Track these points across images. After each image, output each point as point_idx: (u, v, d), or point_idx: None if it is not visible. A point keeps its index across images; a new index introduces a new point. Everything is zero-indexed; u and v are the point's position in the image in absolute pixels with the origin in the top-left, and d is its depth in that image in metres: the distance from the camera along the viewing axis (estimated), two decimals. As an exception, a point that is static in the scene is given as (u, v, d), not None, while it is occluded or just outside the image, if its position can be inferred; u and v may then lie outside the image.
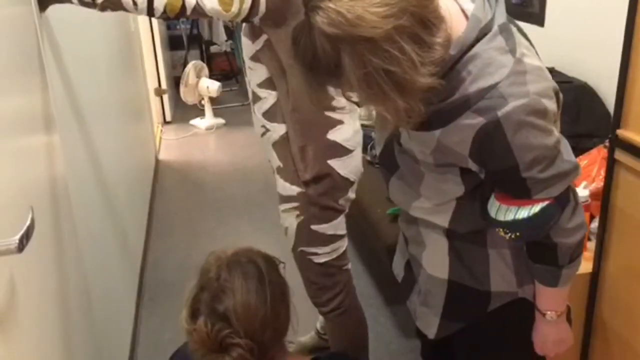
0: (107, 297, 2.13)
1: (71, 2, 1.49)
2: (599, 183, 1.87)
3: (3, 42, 1.19)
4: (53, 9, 1.62)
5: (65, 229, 1.55)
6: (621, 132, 1.52)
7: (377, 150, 1.32)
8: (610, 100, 2.29)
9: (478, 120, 1.01)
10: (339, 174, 1.69)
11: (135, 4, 1.46)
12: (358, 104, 1.10)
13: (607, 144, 1.86)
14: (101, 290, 2.01)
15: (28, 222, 0.93)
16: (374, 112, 3.02)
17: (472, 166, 1.10)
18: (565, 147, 1.07)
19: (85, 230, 1.84)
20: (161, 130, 5.16)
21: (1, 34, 1.19)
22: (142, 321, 2.66)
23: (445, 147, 1.08)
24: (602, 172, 1.84)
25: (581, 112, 2.22)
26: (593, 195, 1.84)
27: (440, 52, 0.95)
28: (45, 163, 1.43)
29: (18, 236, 0.89)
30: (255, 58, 1.64)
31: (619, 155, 1.54)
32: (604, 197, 1.63)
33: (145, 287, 2.91)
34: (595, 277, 1.72)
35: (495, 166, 1.07)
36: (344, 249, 1.83)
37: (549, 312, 1.24)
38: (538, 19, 2.66)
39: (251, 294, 1.10)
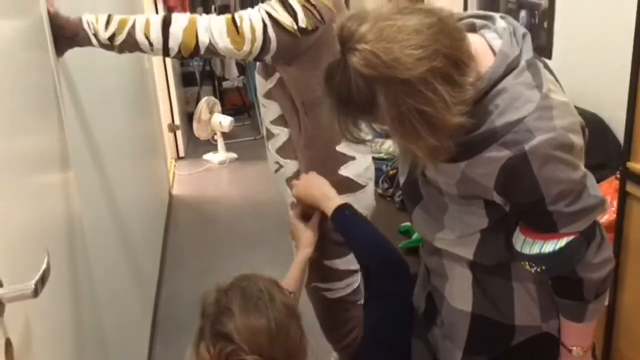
0: (121, 335, 2.13)
1: (91, 45, 1.53)
2: (612, 215, 1.86)
3: (22, 84, 1.23)
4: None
5: (81, 268, 1.56)
6: (631, 165, 1.53)
7: (401, 181, 1.33)
8: (620, 131, 2.28)
9: (504, 154, 1.02)
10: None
11: (151, 45, 1.49)
12: (386, 136, 1.12)
13: (618, 175, 1.86)
14: (115, 328, 2.01)
15: (44, 266, 0.93)
16: (386, 145, 3.04)
17: (497, 199, 1.10)
18: (592, 182, 1.08)
19: (100, 267, 1.85)
20: (174, 166, 5.21)
21: (20, 77, 1.22)
22: (155, 356, 2.65)
23: (471, 179, 1.09)
24: (615, 204, 1.84)
25: (592, 144, 2.21)
26: (606, 227, 1.82)
27: (471, 92, 0.98)
28: (61, 201, 1.44)
29: (34, 281, 0.89)
30: (268, 95, 1.67)
31: (630, 187, 1.55)
32: (617, 229, 1.62)
33: (159, 323, 2.90)
34: (611, 309, 1.70)
35: (521, 199, 1.07)
36: (357, 283, 1.83)
37: (575, 348, 1.22)
38: (545, 51, 2.69)
39: (251, 311, 1.06)
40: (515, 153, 1.01)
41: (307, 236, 1.55)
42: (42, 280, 0.91)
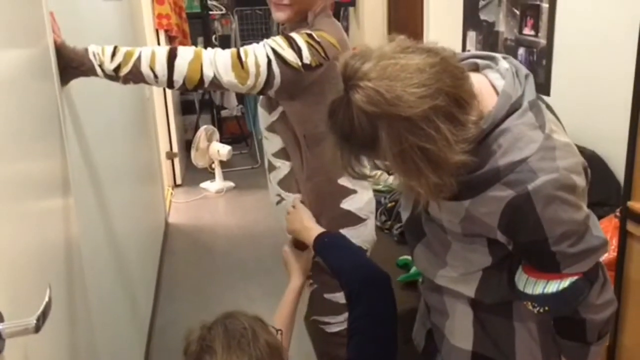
0: (115, 364, 2.10)
1: (96, 76, 1.54)
2: (612, 253, 1.85)
3: (26, 111, 1.23)
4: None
5: (79, 298, 1.54)
6: (632, 204, 1.53)
7: (403, 216, 1.33)
8: (619, 169, 2.30)
9: (507, 193, 1.02)
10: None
11: (156, 77, 1.50)
12: (387, 172, 1.12)
13: (618, 213, 1.86)
14: (109, 356, 1.99)
15: (46, 300, 0.92)
16: (384, 176, 3.05)
17: (501, 238, 1.11)
18: (594, 223, 1.08)
19: (96, 296, 1.83)
20: (172, 193, 5.20)
21: (25, 104, 1.22)
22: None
23: (474, 218, 1.09)
24: (614, 242, 1.84)
25: (591, 181, 2.23)
26: (606, 265, 1.82)
27: (474, 131, 0.99)
28: (62, 228, 1.44)
29: (35, 316, 0.87)
30: (271, 128, 1.68)
31: (631, 227, 1.55)
32: (618, 269, 1.62)
33: (152, 353, 2.87)
34: (611, 350, 1.69)
35: (524, 239, 1.07)
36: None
37: None
38: (544, 89, 2.72)
39: (233, 350, 1.04)
40: (519, 193, 1.01)
41: (299, 266, 1.55)
42: (44, 314, 0.90)
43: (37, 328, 0.87)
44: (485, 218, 1.08)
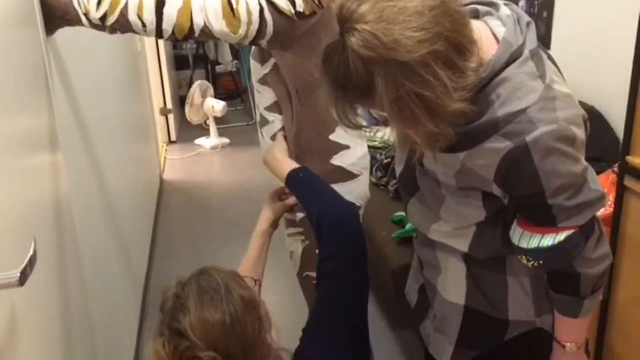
0: (110, 321, 2.11)
1: (82, 25, 1.49)
2: (608, 209, 1.84)
3: (9, 63, 1.19)
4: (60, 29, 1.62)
5: (69, 254, 1.53)
6: (630, 159, 1.51)
7: (398, 170, 1.31)
8: (618, 125, 2.28)
9: (505, 145, 0.99)
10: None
11: (144, 26, 1.45)
12: (384, 123, 1.09)
13: (615, 169, 1.85)
14: (104, 314, 1.99)
15: (30, 254, 0.91)
16: (380, 133, 3.02)
17: (496, 191, 1.08)
18: (592, 176, 1.06)
19: (89, 252, 1.82)
20: (166, 150, 5.17)
21: (8, 55, 1.18)
22: (145, 344, 2.63)
23: (470, 171, 1.07)
24: (612, 198, 1.83)
25: (589, 137, 2.21)
26: (602, 221, 1.81)
27: (473, 78, 0.95)
28: (50, 184, 1.41)
29: (20, 269, 0.86)
30: (263, 81, 1.64)
31: (629, 182, 1.53)
32: (614, 224, 1.61)
33: (149, 310, 2.88)
34: (605, 305, 1.69)
35: (521, 192, 1.05)
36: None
37: (569, 344, 1.21)
38: (544, 42, 2.66)
39: (206, 306, 1.03)
40: (517, 144, 0.99)
41: (268, 213, 1.55)
42: (29, 268, 0.88)
43: (22, 281, 0.86)
44: (482, 171, 1.05)
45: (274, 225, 1.56)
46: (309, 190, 1.38)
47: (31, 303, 1.12)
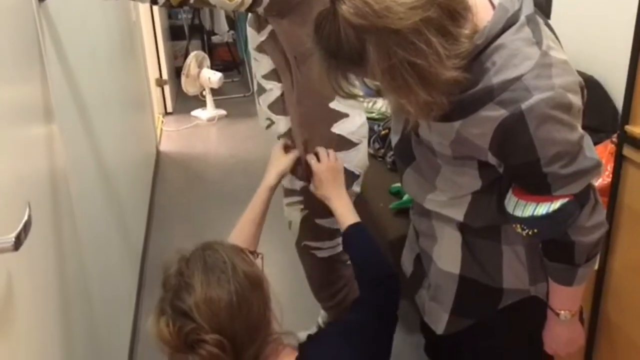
0: (107, 291, 2.12)
1: None
2: (606, 179, 1.84)
3: (0, 32, 1.17)
4: (53, -1, 1.60)
5: (65, 223, 1.53)
6: (629, 128, 1.50)
7: (393, 140, 1.30)
8: (617, 95, 2.26)
9: (500, 113, 0.98)
10: (343, 167, 1.66)
11: (137, -8, 1.43)
12: (378, 93, 1.08)
13: (614, 139, 1.84)
14: (101, 284, 2.00)
15: (25, 219, 0.91)
16: (378, 104, 3.00)
17: (491, 160, 1.08)
18: (588, 144, 1.05)
19: (85, 223, 1.82)
20: (162, 121, 5.14)
21: (-1, 22, 1.16)
22: (142, 315, 2.65)
23: (465, 139, 1.06)
24: (609, 168, 1.82)
25: (587, 107, 2.19)
26: (600, 191, 1.80)
27: (467, 45, 0.94)
28: (44, 155, 1.40)
29: (14, 234, 0.86)
30: (260, 49, 1.62)
31: (627, 151, 1.52)
32: (612, 193, 1.60)
33: (146, 281, 2.89)
34: (601, 274, 1.70)
35: (516, 160, 1.04)
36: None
37: (563, 312, 1.22)
38: (544, 11, 2.63)
39: (212, 285, 1.02)
40: (512, 112, 0.97)
41: (276, 166, 1.57)
42: (24, 232, 0.88)
43: (17, 246, 0.86)
44: (477, 140, 1.04)
45: (280, 178, 1.58)
46: (362, 247, 1.42)
47: (27, 269, 1.12)
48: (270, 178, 1.56)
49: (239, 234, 1.49)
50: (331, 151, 1.56)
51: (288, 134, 1.66)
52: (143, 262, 3.00)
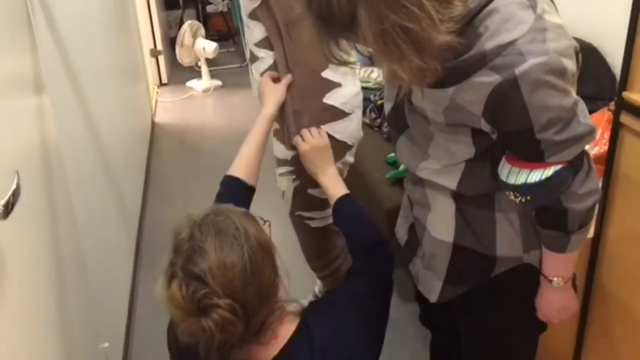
0: (104, 261, 2.12)
1: None
2: (603, 147, 1.83)
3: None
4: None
5: (58, 194, 1.52)
6: (627, 95, 1.48)
7: (386, 109, 1.28)
8: (615, 62, 2.24)
9: (494, 78, 0.96)
10: (335, 138, 1.65)
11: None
12: (371, 60, 1.06)
13: (611, 106, 1.82)
14: (98, 254, 2.00)
15: (13, 187, 0.90)
16: (374, 74, 2.97)
17: (485, 127, 1.06)
18: (582, 110, 1.03)
19: (79, 194, 1.81)
20: (157, 92, 5.10)
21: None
22: (140, 284, 2.66)
23: (458, 106, 1.04)
24: (606, 136, 1.81)
25: (585, 74, 2.17)
26: (596, 159, 1.80)
27: (460, 9, 0.92)
28: (34, 125, 1.39)
29: (2, 201, 0.86)
30: (253, 16, 1.59)
31: (625, 118, 1.50)
32: (608, 161, 1.59)
33: (143, 251, 2.90)
34: (596, 242, 1.70)
35: (509, 127, 1.03)
36: (342, 213, 1.81)
37: (555, 279, 1.22)
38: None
39: (226, 250, 1.01)
40: (505, 78, 0.96)
41: (272, 96, 1.57)
42: (12, 201, 0.87)
43: (5, 214, 0.85)
44: (470, 106, 1.03)
45: (278, 106, 1.59)
46: (352, 218, 1.46)
47: (17, 239, 1.11)
48: (269, 107, 1.57)
49: (239, 168, 1.50)
50: (314, 129, 1.59)
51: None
52: (140, 232, 3.00)
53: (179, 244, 1.05)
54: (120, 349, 2.16)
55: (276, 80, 1.61)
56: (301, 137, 1.59)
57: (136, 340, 2.32)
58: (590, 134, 1.04)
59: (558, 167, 1.05)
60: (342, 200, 1.45)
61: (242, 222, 1.07)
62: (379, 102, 2.84)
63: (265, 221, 1.17)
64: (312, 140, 1.57)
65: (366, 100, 2.88)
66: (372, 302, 1.27)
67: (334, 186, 1.50)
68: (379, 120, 2.82)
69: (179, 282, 1.00)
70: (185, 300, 0.99)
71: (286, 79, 1.58)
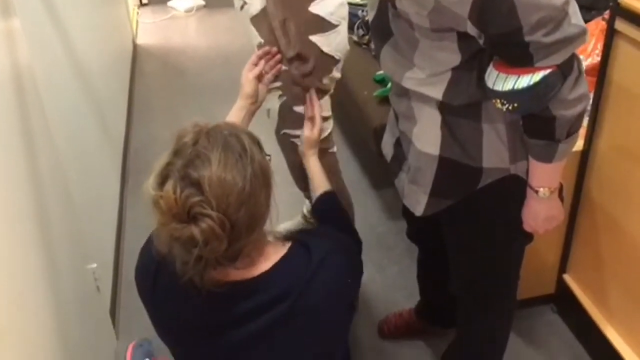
0: (89, 185, 2.09)
1: None
2: (595, 58, 1.78)
3: None
4: None
5: (34, 120, 1.47)
6: (623, 0, 1.43)
7: (370, 16, 1.22)
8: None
9: None
10: (322, 51, 1.59)
11: None
12: None
13: (606, 16, 1.76)
14: (81, 177, 1.97)
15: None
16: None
17: (471, 30, 1.01)
18: (574, 9, 0.98)
19: (58, 119, 1.76)
20: (138, 13, 4.92)
21: None
22: (127, 206, 2.65)
23: (443, 8, 0.99)
24: (599, 47, 1.76)
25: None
26: (588, 70, 1.76)
27: None
28: (4, 50, 1.33)
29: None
30: None
31: (619, 25, 1.45)
32: (601, 70, 1.55)
33: (129, 173, 2.87)
34: (585, 154, 1.69)
35: (497, 29, 0.98)
36: (329, 131, 1.77)
37: (541, 189, 1.21)
38: None
39: (229, 166, 0.98)
40: None
41: (246, 90, 1.55)
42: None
43: None
44: (456, 7, 0.98)
45: (251, 102, 1.58)
46: (331, 217, 1.45)
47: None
48: (239, 101, 1.61)
49: None
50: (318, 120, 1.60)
51: (261, 15, 1.56)
52: (125, 155, 2.96)
53: (181, 147, 1.00)
54: (110, 269, 2.17)
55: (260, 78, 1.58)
56: (311, 121, 1.59)
57: (126, 260, 2.33)
58: (581, 35, 0.99)
59: (547, 71, 1.01)
60: (325, 196, 1.48)
61: (250, 144, 1.04)
62: (367, 18, 2.75)
63: (267, 155, 1.13)
64: (317, 132, 1.59)
65: (354, 16, 2.78)
66: (355, 255, 1.30)
67: (321, 177, 1.52)
68: (367, 37, 2.74)
69: (174, 183, 0.96)
70: (177, 202, 0.95)
71: (263, 85, 1.57)
